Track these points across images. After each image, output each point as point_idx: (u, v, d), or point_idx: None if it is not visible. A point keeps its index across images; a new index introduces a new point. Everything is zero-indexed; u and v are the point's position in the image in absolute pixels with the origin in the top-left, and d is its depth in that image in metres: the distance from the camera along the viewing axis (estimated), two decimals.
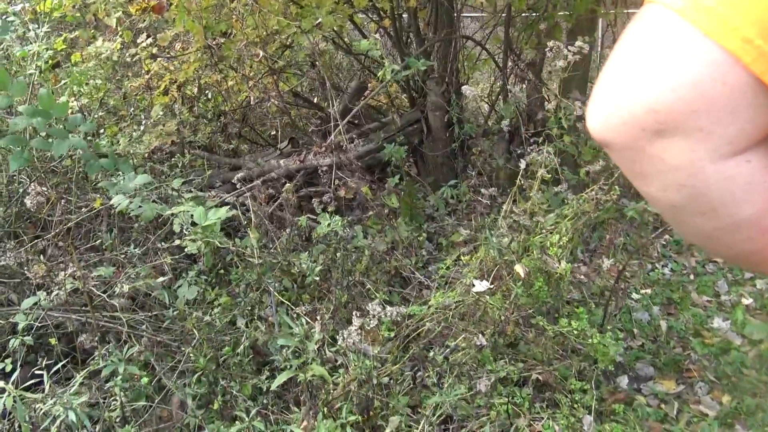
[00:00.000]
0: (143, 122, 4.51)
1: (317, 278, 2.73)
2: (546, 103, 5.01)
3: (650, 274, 3.95)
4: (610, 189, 2.61)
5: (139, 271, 2.73)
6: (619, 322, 3.39)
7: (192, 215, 2.80)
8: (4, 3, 3.63)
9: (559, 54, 3.03)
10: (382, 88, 4.55)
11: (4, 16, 3.45)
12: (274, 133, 6.25)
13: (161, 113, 4.78)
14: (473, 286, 2.55)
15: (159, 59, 4.69)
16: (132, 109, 4.79)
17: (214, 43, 4.59)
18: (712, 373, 3.05)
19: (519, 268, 2.61)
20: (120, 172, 2.68)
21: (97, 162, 2.48)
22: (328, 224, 3.00)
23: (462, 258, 3.13)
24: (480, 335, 2.38)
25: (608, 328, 2.98)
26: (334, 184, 3.26)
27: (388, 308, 2.03)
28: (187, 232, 2.68)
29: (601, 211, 2.63)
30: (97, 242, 3.13)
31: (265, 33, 4.28)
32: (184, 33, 4.71)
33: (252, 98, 4.50)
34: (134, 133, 4.16)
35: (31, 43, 3.43)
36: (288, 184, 3.37)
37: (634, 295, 3.70)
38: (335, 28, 3.91)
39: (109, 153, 2.60)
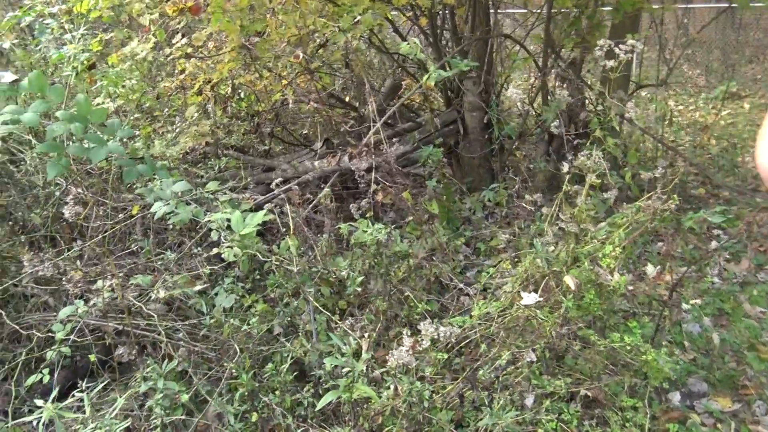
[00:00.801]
0: (177, 123, 4.47)
1: (359, 289, 2.64)
2: (588, 103, 4.86)
3: (699, 284, 3.78)
4: (669, 198, 2.47)
5: (175, 278, 2.67)
6: (669, 334, 3.24)
7: (228, 221, 2.75)
8: (41, 5, 3.60)
9: (609, 53, 2.89)
10: (418, 88, 4.44)
11: (41, 19, 3.42)
12: (305, 132, 6.19)
13: (195, 114, 4.74)
14: (520, 297, 2.44)
15: (193, 59, 4.64)
16: (166, 109, 4.75)
17: (248, 43, 4.53)
18: None
19: (569, 280, 2.49)
20: (156, 177, 2.62)
21: (134, 168, 2.42)
22: (370, 232, 2.91)
23: (504, 265, 3.02)
24: (530, 351, 2.27)
25: (661, 342, 2.84)
26: (372, 188, 3.16)
27: (442, 328, 1.94)
28: (224, 240, 2.62)
29: (658, 221, 2.50)
30: (133, 246, 3.08)
31: (302, 32, 4.20)
32: (217, 33, 4.66)
33: (290, 99, 4.42)
34: (168, 135, 4.12)
35: (66, 44, 3.40)
36: (326, 189, 3.29)
37: (684, 305, 3.54)
38: (372, 27, 3.81)
39: (146, 158, 2.55)
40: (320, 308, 2.73)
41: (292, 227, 2.73)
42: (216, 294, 2.71)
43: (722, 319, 3.51)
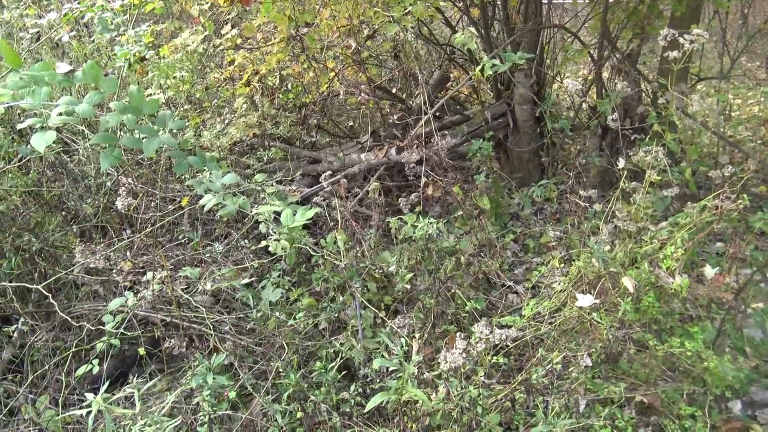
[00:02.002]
0: (225, 114, 4.49)
1: (407, 286, 2.59)
2: (645, 97, 4.69)
3: (762, 286, 3.61)
4: (738, 197, 2.34)
5: (222, 271, 2.66)
6: (730, 339, 3.10)
7: (276, 213, 2.73)
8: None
9: (673, 43, 2.76)
10: (468, 80, 4.35)
11: (100, 13, 3.46)
12: (351, 124, 6.16)
13: (243, 105, 4.75)
14: (574, 298, 2.35)
15: (242, 51, 4.65)
16: (215, 100, 4.77)
17: (297, 34, 4.51)
18: None
19: (627, 282, 2.38)
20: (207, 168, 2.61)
21: (185, 160, 2.41)
22: (421, 227, 2.85)
23: (555, 263, 2.92)
24: (586, 356, 2.19)
25: (723, 348, 2.71)
26: (423, 181, 3.10)
27: (497, 330, 1.87)
28: (272, 232, 2.59)
29: (724, 221, 2.37)
30: (181, 238, 3.09)
31: (353, 23, 4.16)
32: (266, 23, 4.65)
33: (341, 91, 4.38)
34: (218, 125, 4.13)
35: (122, 37, 3.42)
36: (374, 183, 3.24)
37: (746, 309, 3.38)
38: (422, 18, 3.73)
39: (197, 150, 2.53)
40: (366, 304, 2.69)
41: (340, 221, 2.69)
42: (263, 287, 2.70)
43: None
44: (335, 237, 2.64)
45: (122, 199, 2.35)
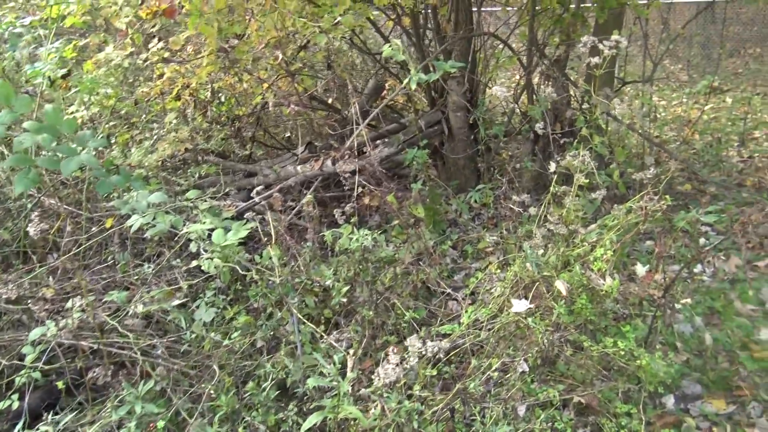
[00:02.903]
0: (155, 129, 4.37)
1: (344, 299, 2.56)
2: (573, 101, 4.81)
3: (688, 282, 3.74)
4: (661, 197, 2.41)
5: (153, 293, 2.57)
6: (661, 335, 3.19)
7: (209, 231, 2.66)
8: (12, 17, 3.48)
9: (594, 49, 2.83)
10: (401, 90, 4.37)
11: (11, 28, 3.30)
12: (288, 135, 6.10)
13: (174, 120, 4.64)
14: (510, 304, 2.37)
15: (171, 64, 4.54)
16: (144, 115, 4.64)
17: (227, 45, 4.43)
18: (766, 392, 2.85)
19: (560, 285, 2.42)
20: (133, 187, 2.52)
21: (108, 179, 2.32)
22: (356, 238, 2.83)
23: (491, 268, 2.95)
24: (522, 361, 2.20)
25: (654, 344, 2.78)
26: (357, 192, 3.08)
27: (429, 343, 1.86)
28: (204, 251, 2.53)
29: (650, 222, 2.44)
30: (110, 259, 2.98)
31: (281, 34, 4.11)
32: (196, 36, 4.56)
33: (270, 102, 4.33)
34: (146, 142, 4.01)
35: (39, 53, 3.28)
36: (309, 196, 3.21)
37: (675, 305, 3.50)
38: (353, 28, 3.72)
39: (121, 169, 2.44)
40: (304, 320, 2.65)
41: (273, 236, 2.65)
42: (197, 307, 2.62)
43: (714, 318, 3.47)
44: (270, 252, 2.59)
45: (35, 225, 2.23)
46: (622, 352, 2.41)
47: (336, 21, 3.42)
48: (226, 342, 2.48)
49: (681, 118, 8.72)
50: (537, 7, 4.33)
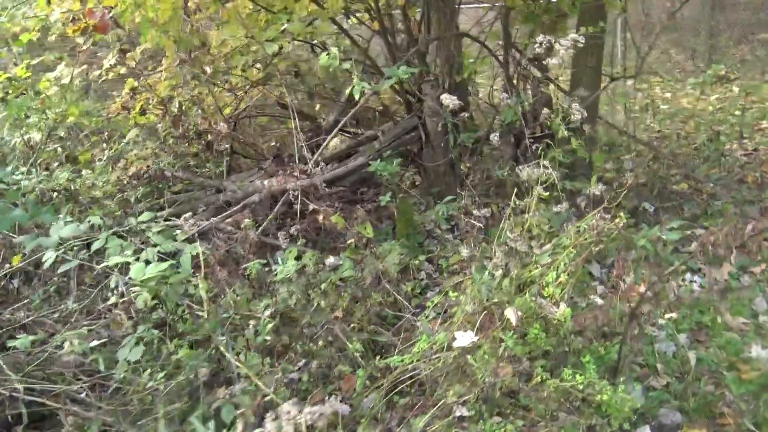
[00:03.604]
0: (115, 147, 4.19)
1: (268, 338, 2.35)
2: (554, 101, 4.55)
3: (676, 292, 3.47)
4: (615, 215, 2.17)
5: (67, 333, 2.38)
6: (639, 355, 2.94)
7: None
8: None
9: (550, 50, 2.59)
10: (369, 95, 4.14)
11: None
12: (275, 144, 5.91)
13: (137, 136, 4.47)
14: (455, 339, 2.14)
15: (129, 79, 4.37)
16: (105, 134, 4.47)
17: (188, 57, 4.25)
18: (751, 419, 2.59)
19: (510, 313, 2.19)
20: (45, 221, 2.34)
21: (8, 215, 2.13)
22: (290, 267, 2.62)
23: (452, 293, 2.72)
24: (460, 406, 1.98)
25: (624, 372, 2.54)
26: (298, 213, 2.87)
27: (306, 410, 1.64)
28: (122, 285, 2.33)
29: (606, 241, 2.20)
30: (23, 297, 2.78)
31: (239, 44, 3.92)
32: (153, 50, 4.38)
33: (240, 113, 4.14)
34: (103, 160, 3.84)
35: None
36: (247, 221, 3.00)
37: (659, 320, 3.24)
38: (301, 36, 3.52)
39: (28, 201, 2.26)
40: (237, 360, 2.44)
41: (202, 267, 2.44)
42: (123, 346, 2.43)
43: (701, 334, 3.21)
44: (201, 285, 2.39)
45: None
46: (580, 386, 2.17)
47: (283, 28, 3.21)
48: (150, 384, 2.28)
49: (685, 111, 8.39)
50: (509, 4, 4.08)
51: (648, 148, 4.77)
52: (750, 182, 5.26)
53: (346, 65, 2.74)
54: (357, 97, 2.68)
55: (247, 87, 4.96)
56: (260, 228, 3.93)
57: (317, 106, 5.51)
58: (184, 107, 4.85)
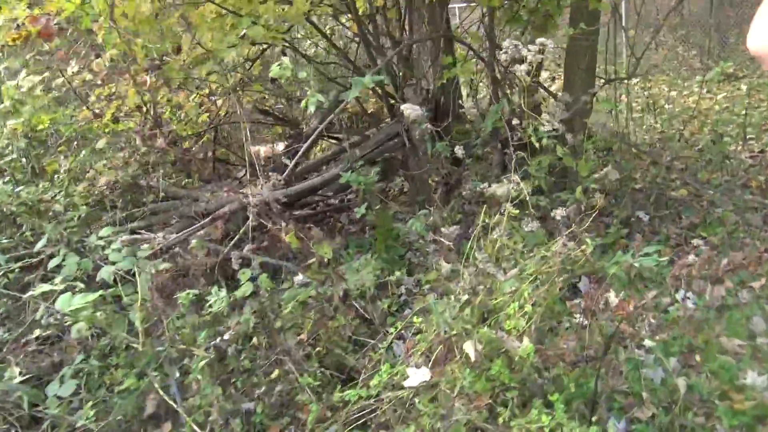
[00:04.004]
0: (81, 156, 4.02)
1: (199, 376, 2.15)
2: (542, 105, 4.33)
3: (669, 311, 3.24)
4: (581, 241, 1.95)
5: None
6: (624, 382, 2.71)
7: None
8: None
9: (516, 55, 2.37)
10: (347, 102, 3.95)
11: None
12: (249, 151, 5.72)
13: (107, 144, 4.29)
14: (407, 377, 1.94)
15: (97, 90, 4.20)
16: (75, 143, 4.30)
17: (156, 62, 4.07)
18: None
19: (469, 347, 1.98)
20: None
21: None
22: (244, 290, 2.43)
23: (416, 320, 2.51)
24: None
25: (600, 408, 2.32)
26: (251, 233, 2.68)
27: None
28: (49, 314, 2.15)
29: (574, 267, 1.98)
30: None
31: (203, 49, 3.73)
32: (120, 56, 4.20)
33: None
34: (61, 176, 3.67)
35: None
36: (194, 241, 2.81)
37: (647, 342, 3.00)
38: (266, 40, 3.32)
39: None
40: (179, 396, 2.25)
41: (140, 296, 2.25)
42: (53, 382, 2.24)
43: (693, 358, 2.97)
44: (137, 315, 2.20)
45: None
46: (547, 430, 1.96)
47: (242, 34, 3.02)
48: (79, 423, 2.09)
49: (691, 110, 8.10)
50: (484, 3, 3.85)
51: (643, 154, 4.53)
52: (754, 187, 5.01)
53: (304, 74, 2.54)
54: (311, 110, 2.48)
55: (226, 93, 4.78)
56: (232, 242, 3.75)
57: (299, 111, 5.32)
58: (159, 115, 4.67)
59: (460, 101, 5.32)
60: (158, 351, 2.16)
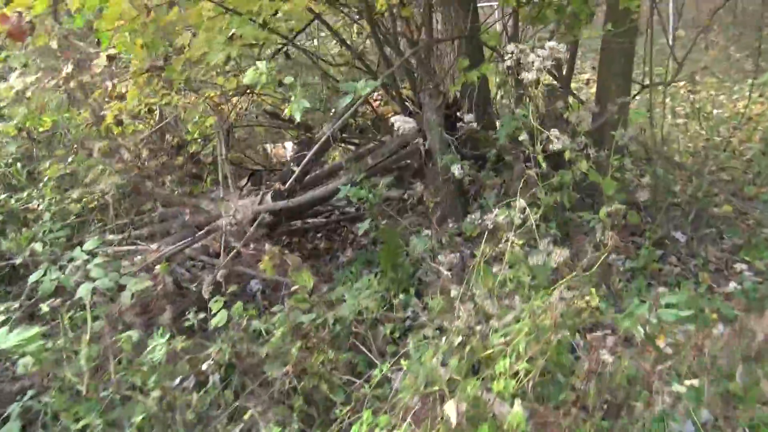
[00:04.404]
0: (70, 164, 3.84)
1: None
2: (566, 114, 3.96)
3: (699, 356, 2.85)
4: (582, 289, 1.62)
5: None
6: None
7: None
8: None
9: (525, 61, 2.04)
10: (355, 105, 3.67)
11: None
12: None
13: (105, 147, 4.11)
14: None
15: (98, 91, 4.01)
16: (74, 146, 4.13)
17: (157, 63, 3.86)
18: None
19: (450, 409, 1.68)
20: None
21: None
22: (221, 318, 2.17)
23: (403, 363, 2.22)
24: None
25: None
26: (225, 257, 2.42)
27: None
28: None
29: (576, 320, 1.66)
30: None
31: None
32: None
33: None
34: (46, 180, 3.48)
35: None
36: (159, 265, 2.56)
37: (676, 387, 2.63)
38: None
39: None
40: None
41: (89, 329, 2.01)
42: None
43: (729, 407, 2.59)
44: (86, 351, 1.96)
45: None
46: None
47: (230, 34, 2.76)
48: None
49: (741, 116, 7.55)
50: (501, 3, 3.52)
51: (678, 169, 4.12)
52: None
53: (289, 79, 2.26)
54: (297, 117, 2.21)
55: (236, 95, 4.56)
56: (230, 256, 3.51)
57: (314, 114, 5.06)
58: (169, 117, 4.49)
59: (488, 106, 4.98)
60: (102, 396, 1.92)
